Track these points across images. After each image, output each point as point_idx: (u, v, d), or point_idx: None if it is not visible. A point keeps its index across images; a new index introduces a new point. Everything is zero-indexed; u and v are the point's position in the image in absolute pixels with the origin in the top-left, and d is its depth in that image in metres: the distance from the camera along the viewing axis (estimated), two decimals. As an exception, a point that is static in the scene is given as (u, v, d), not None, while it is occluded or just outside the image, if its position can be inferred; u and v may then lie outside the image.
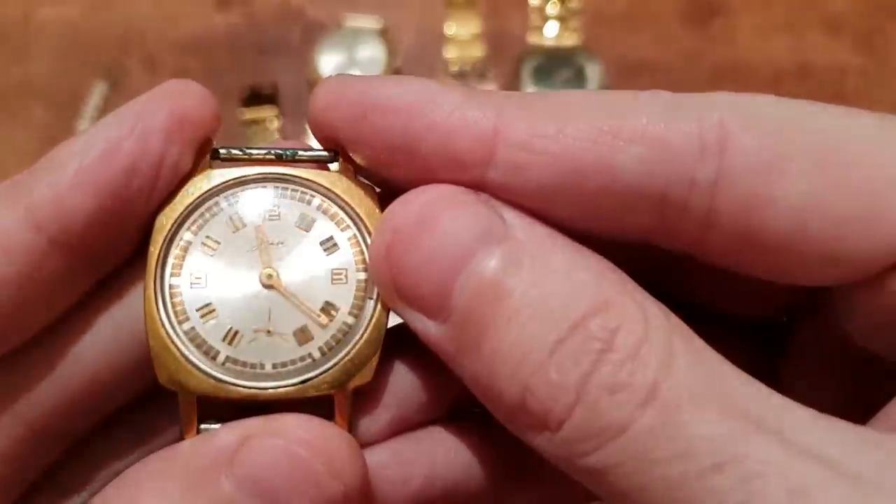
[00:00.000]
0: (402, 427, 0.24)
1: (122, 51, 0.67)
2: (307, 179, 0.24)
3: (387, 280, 0.22)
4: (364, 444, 0.24)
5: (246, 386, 0.23)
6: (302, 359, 0.23)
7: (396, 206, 0.22)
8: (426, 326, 0.22)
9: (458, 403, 0.25)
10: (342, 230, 0.24)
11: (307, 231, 0.24)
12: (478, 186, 0.22)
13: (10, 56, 0.67)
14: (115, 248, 0.23)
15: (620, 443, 0.19)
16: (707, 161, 0.21)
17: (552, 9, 0.67)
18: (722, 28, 0.68)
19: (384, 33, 0.66)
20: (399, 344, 0.24)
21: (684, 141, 0.21)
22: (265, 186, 0.24)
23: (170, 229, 0.23)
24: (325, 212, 0.24)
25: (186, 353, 0.23)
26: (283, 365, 0.23)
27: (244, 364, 0.23)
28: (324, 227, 0.24)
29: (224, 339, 0.23)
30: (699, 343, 0.21)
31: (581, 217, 0.22)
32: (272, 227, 0.24)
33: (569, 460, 0.20)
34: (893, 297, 0.21)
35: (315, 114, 0.23)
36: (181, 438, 0.23)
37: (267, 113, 0.65)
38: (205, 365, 0.23)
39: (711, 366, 0.20)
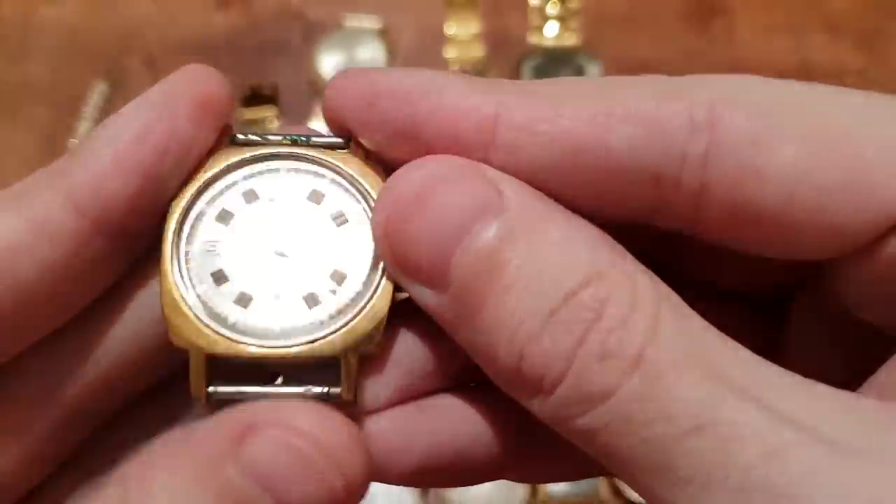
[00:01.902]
0: (408, 396, 0.25)
1: (122, 51, 0.67)
2: (319, 157, 0.25)
3: (388, 252, 0.23)
4: (369, 412, 0.24)
5: (255, 345, 0.24)
6: (311, 322, 0.24)
7: (395, 178, 0.23)
8: (426, 297, 0.23)
9: (464, 373, 0.25)
10: (352, 205, 0.25)
11: (319, 205, 0.25)
12: None
13: (10, 56, 0.67)
14: (149, 229, 0.24)
15: (607, 406, 0.20)
16: (697, 137, 0.22)
17: (552, 9, 0.67)
18: (722, 28, 0.68)
19: (384, 33, 0.66)
20: (405, 313, 0.24)
21: (674, 119, 0.22)
22: (279, 162, 0.25)
23: (187, 200, 0.25)
24: (336, 187, 0.25)
25: (198, 313, 0.24)
26: (293, 327, 0.24)
27: (254, 326, 0.24)
28: (335, 202, 0.25)
29: (236, 303, 0.24)
30: (686, 311, 0.21)
31: (580, 196, 0.23)
32: (285, 200, 0.25)
33: (561, 423, 0.21)
34: (883, 266, 0.22)
35: (327, 106, 0.24)
36: (191, 399, 0.24)
37: (267, 113, 0.64)
38: (215, 325, 0.24)
39: (697, 333, 0.21)
